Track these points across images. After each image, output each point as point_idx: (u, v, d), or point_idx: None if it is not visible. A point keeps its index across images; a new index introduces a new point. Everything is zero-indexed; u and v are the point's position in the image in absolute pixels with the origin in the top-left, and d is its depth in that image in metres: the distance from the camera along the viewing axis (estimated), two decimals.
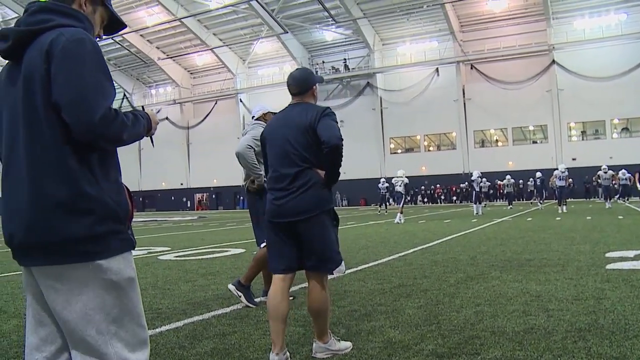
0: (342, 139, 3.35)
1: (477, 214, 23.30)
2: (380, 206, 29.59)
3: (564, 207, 22.48)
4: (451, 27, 45.31)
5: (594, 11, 42.79)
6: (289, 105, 3.64)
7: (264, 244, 5.22)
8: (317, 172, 3.42)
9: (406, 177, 21.15)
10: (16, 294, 6.07)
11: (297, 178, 3.39)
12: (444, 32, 46.81)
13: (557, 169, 24.21)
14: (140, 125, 1.95)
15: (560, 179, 22.62)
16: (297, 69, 3.78)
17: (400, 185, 20.69)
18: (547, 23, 43.33)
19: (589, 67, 41.79)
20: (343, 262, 3.51)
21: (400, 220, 19.26)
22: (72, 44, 1.76)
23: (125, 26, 2.31)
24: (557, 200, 22.71)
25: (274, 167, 3.53)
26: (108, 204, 1.82)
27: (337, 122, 3.50)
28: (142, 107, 2.38)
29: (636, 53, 40.80)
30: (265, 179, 4.32)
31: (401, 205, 20.28)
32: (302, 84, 3.61)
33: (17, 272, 7.80)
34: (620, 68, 40.98)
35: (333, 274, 3.51)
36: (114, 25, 2.21)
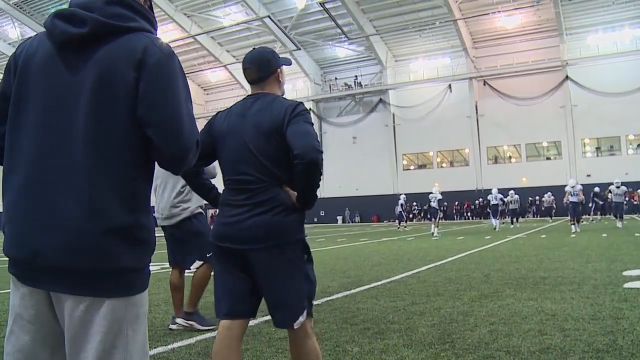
0: (321, 151, 2.52)
1: (495, 229, 24.53)
2: (400, 222, 29.72)
3: (577, 226, 20.53)
4: (464, 44, 45.34)
5: (608, 26, 42.63)
6: (248, 96, 2.78)
7: (195, 263, 5.18)
8: (287, 191, 2.59)
9: (439, 193, 22.81)
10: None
11: (257, 194, 2.55)
12: (456, 49, 46.84)
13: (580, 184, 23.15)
14: None
15: (572, 195, 20.75)
16: (255, 48, 2.88)
17: (434, 201, 22.16)
18: (561, 39, 43.24)
19: (604, 83, 41.56)
20: (306, 311, 2.58)
21: (437, 234, 20.81)
22: (168, 59, 1.62)
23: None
24: (569, 218, 21.00)
25: (228, 173, 2.69)
26: (154, 236, 1.69)
27: (312, 124, 2.64)
28: None
29: None
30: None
31: (437, 220, 21.75)
32: (262, 66, 2.72)
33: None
34: (636, 83, 40.74)
35: (293, 327, 2.56)
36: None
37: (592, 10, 41.68)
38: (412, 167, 51.33)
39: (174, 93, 1.61)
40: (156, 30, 1.76)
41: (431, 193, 22.78)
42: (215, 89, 60.78)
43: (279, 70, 2.78)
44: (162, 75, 1.59)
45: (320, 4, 43.11)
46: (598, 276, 7.52)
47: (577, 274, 7.81)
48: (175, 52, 1.66)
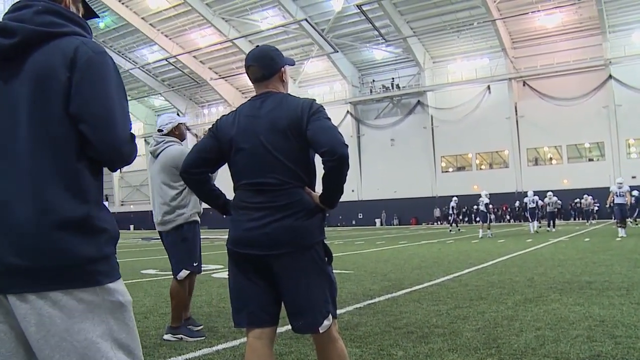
0: (347, 145, 2.48)
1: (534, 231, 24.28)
2: (451, 225, 29.54)
3: (623, 231, 18.54)
4: (502, 44, 44.72)
5: None
6: (254, 97, 2.71)
7: (182, 272, 4.84)
8: (309, 192, 2.54)
9: (487, 197, 23.44)
10: None
11: (280, 196, 2.48)
12: (495, 49, 46.25)
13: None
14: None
15: (618, 196, 18.85)
16: (258, 46, 2.80)
17: (482, 205, 23.06)
18: (603, 37, 42.25)
19: None
20: (331, 315, 2.52)
21: (490, 235, 22.31)
22: (98, 57, 1.66)
23: (97, 16, 2.09)
24: (615, 220, 19.39)
25: (245, 177, 2.57)
26: (113, 225, 1.70)
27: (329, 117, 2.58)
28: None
29: None
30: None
31: (487, 222, 22.92)
32: (267, 64, 2.66)
33: None
34: None
35: (318, 332, 2.48)
36: (86, 16, 1.96)
37: (637, 6, 40.60)
38: (450, 170, 50.83)
39: (105, 89, 1.64)
40: (90, 34, 1.77)
41: (480, 197, 23.57)
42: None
43: (282, 69, 2.71)
44: (93, 72, 1.63)
45: (357, 6, 43.10)
46: None
47: (625, 279, 7.62)
48: (106, 53, 1.72)
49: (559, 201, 27.87)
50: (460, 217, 47.84)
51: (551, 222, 26.34)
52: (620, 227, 18.88)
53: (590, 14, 41.61)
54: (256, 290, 2.51)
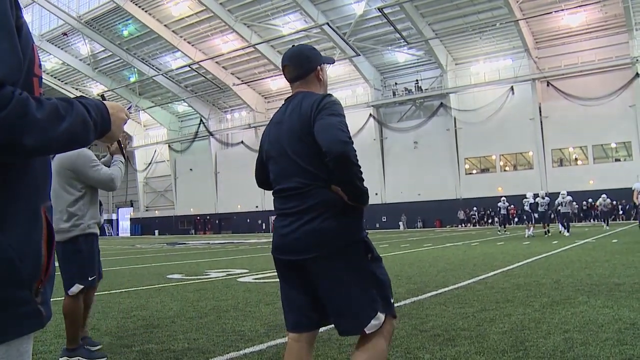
0: (351, 141, 2.34)
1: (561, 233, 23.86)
2: (501, 226, 29.47)
3: None
4: (526, 44, 44.34)
5: None
6: (286, 99, 2.66)
7: (75, 287, 4.26)
8: (333, 190, 2.41)
9: (532, 198, 24.31)
10: (107, 312, 6.31)
11: (303, 199, 2.43)
12: (518, 50, 45.90)
13: None
14: (76, 122, 1.21)
15: None
16: (294, 45, 2.75)
17: (527, 205, 24.13)
18: (630, 35, 41.66)
19: None
20: (381, 314, 2.39)
21: (531, 233, 23.05)
22: None
23: None
24: (638, 222, 17.05)
25: (276, 183, 2.61)
26: (5, 259, 1.15)
27: (340, 115, 2.42)
28: (102, 95, 1.52)
29: None
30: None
31: (532, 222, 23.96)
32: (301, 63, 2.61)
33: (108, 292, 8.13)
34: None
35: (365, 332, 2.37)
36: None
37: None
38: (474, 172, 50.48)
39: None
40: None
41: (525, 198, 24.37)
42: (276, 96, 61.53)
43: (319, 68, 2.63)
44: None
45: (378, 9, 43.09)
46: None
47: None
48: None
49: (574, 202, 26.06)
50: (476, 219, 47.67)
51: (564, 223, 24.03)
52: None
53: (615, 12, 41.07)
54: (296, 295, 2.52)
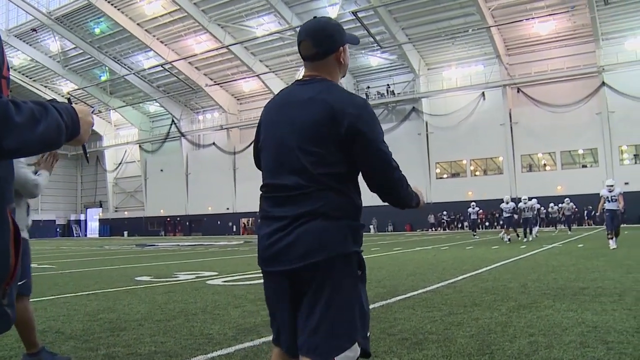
0: (398, 168, 2.23)
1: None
2: (471, 230, 29.74)
3: (614, 241, 15.80)
4: (497, 51, 45.00)
5: None
6: (296, 82, 2.32)
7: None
8: (341, 193, 2.13)
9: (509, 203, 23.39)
10: (72, 315, 6.21)
11: (301, 201, 2.10)
12: (489, 56, 46.53)
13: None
14: (51, 126, 1.24)
15: (610, 201, 16.02)
16: (316, 17, 2.34)
17: (507, 211, 22.96)
18: (597, 44, 42.60)
19: None
20: (356, 345, 2.10)
21: (507, 239, 22.14)
22: None
23: None
24: (607, 230, 16.28)
25: (266, 175, 2.26)
26: None
27: (383, 135, 2.20)
28: (69, 99, 1.52)
29: None
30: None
31: (508, 227, 23.04)
32: (322, 40, 2.23)
33: (74, 294, 8.01)
34: None
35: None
36: None
37: (630, 14, 41.04)
38: (445, 176, 50.97)
39: None
40: None
41: (502, 202, 23.41)
42: (248, 98, 61.35)
43: (341, 48, 2.27)
44: None
45: (352, 13, 43.29)
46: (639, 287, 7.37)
47: (618, 285, 7.66)
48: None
49: (537, 205, 25.28)
50: (447, 222, 48.20)
51: (527, 229, 23.44)
52: (610, 238, 15.91)
53: (583, 22, 41.95)
54: (282, 312, 2.20)
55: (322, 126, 2.10)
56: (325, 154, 2.10)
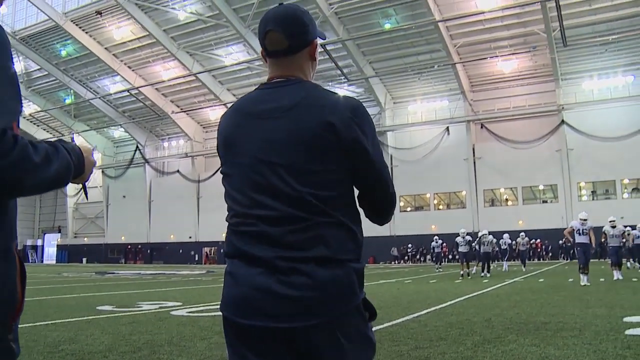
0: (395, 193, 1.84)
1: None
2: (436, 264, 29.82)
3: (586, 278, 15.00)
4: (462, 87, 46.05)
5: (602, 73, 43.57)
6: (262, 85, 1.86)
7: None
8: (343, 226, 1.67)
9: (465, 237, 22.85)
10: (31, 347, 6.05)
11: (298, 237, 1.62)
12: (454, 92, 47.54)
13: (566, 227, 17.65)
14: (62, 165, 1.28)
15: (581, 234, 15.24)
16: (282, 3, 1.89)
17: (462, 245, 22.46)
18: (556, 84, 44.03)
19: (599, 128, 42.18)
20: None
21: (474, 271, 22.05)
22: None
23: None
24: (579, 264, 15.40)
25: (239, 204, 1.71)
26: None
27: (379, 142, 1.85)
28: (72, 137, 1.54)
29: None
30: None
31: (467, 262, 22.37)
32: (296, 30, 1.79)
33: (32, 324, 7.80)
34: (629, 129, 41.34)
35: None
36: None
37: (586, 57, 42.62)
38: (409, 209, 51.39)
39: None
40: None
41: (458, 236, 22.90)
42: (214, 126, 61.10)
43: (315, 42, 1.87)
44: None
45: (321, 45, 43.67)
46: (599, 322, 7.54)
47: (578, 320, 7.83)
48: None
49: (494, 240, 24.49)
50: (409, 256, 48.53)
51: (486, 264, 22.93)
52: (583, 272, 15.09)
53: (544, 62, 43.34)
54: None
55: (316, 138, 1.65)
56: (322, 172, 1.66)
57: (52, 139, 1.37)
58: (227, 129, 1.81)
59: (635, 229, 22.54)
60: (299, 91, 1.75)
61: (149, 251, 64.74)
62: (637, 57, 42.13)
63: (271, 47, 1.82)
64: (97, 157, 68.63)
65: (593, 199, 44.85)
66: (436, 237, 28.86)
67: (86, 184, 1.53)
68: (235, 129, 1.78)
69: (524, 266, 27.65)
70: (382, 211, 1.83)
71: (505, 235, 26.48)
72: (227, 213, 1.78)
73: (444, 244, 29.33)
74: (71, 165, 1.33)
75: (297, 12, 1.81)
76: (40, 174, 1.21)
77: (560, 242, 41.83)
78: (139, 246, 65.78)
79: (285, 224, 1.63)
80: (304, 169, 1.65)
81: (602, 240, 16.27)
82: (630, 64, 42.56)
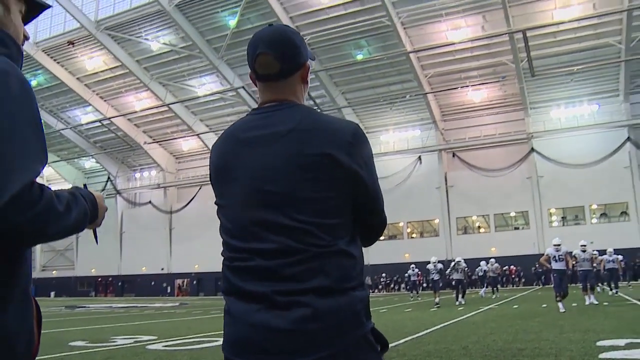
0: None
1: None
2: (412, 292, 29.63)
3: (563, 305, 14.84)
4: (433, 116, 46.73)
5: (569, 102, 44.72)
6: (255, 111, 1.77)
7: None
8: (345, 254, 1.59)
9: (437, 264, 22.73)
10: None
11: (299, 270, 1.53)
12: (426, 121, 48.17)
13: (543, 253, 17.03)
14: (80, 212, 1.34)
15: (556, 260, 15.17)
16: (271, 24, 1.78)
17: (434, 273, 22.20)
18: (525, 112, 45.02)
19: (567, 155, 43.09)
20: None
21: (437, 302, 20.60)
22: None
23: (48, 6, 1.59)
24: (555, 291, 15.27)
25: (234, 237, 1.63)
26: (3, 338, 1.23)
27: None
28: (85, 185, 1.60)
29: (609, 141, 42.32)
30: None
31: (436, 290, 21.73)
32: (289, 53, 1.71)
33: None
34: (596, 155, 42.28)
35: None
36: (34, 9, 1.53)
37: (554, 86, 43.76)
38: (382, 238, 51.10)
39: None
40: (11, 47, 1.41)
41: (429, 263, 22.71)
42: (187, 157, 61.00)
43: (307, 64, 1.79)
44: None
45: None
46: (574, 347, 7.62)
47: (553, 345, 7.91)
48: (11, 70, 1.29)
49: (466, 267, 24.24)
50: (386, 284, 48.51)
51: (458, 292, 22.74)
52: (559, 300, 14.95)
53: (513, 91, 44.33)
54: None
55: (314, 165, 1.58)
56: (321, 199, 1.58)
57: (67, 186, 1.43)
58: (220, 158, 1.72)
59: (605, 253, 22.81)
60: (294, 116, 1.67)
61: (120, 283, 63.62)
62: (600, 86, 43.51)
63: (262, 70, 1.72)
64: (67, 187, 67.74)
65: (563, 225, 45.52)
66: (413, 265, 28.97)
67: (97, 229, 1.61)
68: (228, 157, 1.69)
69: (494, 293, 27.36)
70: (374, 235, 1.82)
71: (483, 263, 26.73)
72: (222, 248, 1.69)
73: (419, 272, 29.40)
74: (88, 212, 1.39)
75: (288, 33, 1.73)
76: (62, 223, 1.27)
77: (533, 268, 42.34)
78: (110, 279, 64.62)
79: (282, 256, 1.54)
80: (302, 197, 1.57)
81: (573, 263, 16.27)
82: (594, 93, 43.86)
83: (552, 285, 15.89)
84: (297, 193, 1.57)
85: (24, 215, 1.17)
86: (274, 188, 1.58)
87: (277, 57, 1.69)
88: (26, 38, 1.52)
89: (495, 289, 27.79)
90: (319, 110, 1.71)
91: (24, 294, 1.32)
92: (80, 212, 1.34)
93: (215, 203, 1.73)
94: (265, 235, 1.57)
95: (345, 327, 1.52)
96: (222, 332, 1.64)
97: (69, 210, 1.29)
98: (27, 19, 1.53)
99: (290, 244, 1.54)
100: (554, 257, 15.24)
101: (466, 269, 24.01)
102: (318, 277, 1.53)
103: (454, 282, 23.04)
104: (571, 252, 15.56)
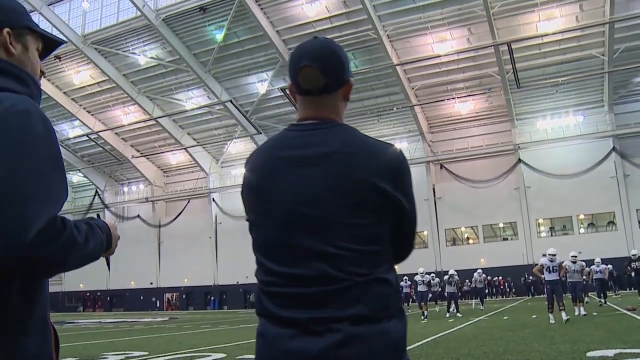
0: None
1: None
2: (407, 304, 29.63)
3: (552, 316, 14.74)
4: (420, 128, 46.94)
5: (555, 113, 45.12)
6: (294, 126, 1.73)
7: None
8: (385, 282, 1.57)
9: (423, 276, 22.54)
10: None
11: (338, 298, 1.49)
12: (413, 133, 48.36)
13: (536, 263, 17.05)
14: (97, 242, 1.41)
15: (550, 271, 14.99)
16: (316, 37, 1.71)
17: (422, 285, 22.08)
18: (512, 124, 45.37)
19: (554, 165, 43.40)
20: None
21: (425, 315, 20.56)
22: (13, 116, 1.29)
23: (63, 42, 1.67)
24: (547, 303, 15.07)
25: (269, 262, 1.58)
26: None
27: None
28: (98, 215, 1.75)
29: (595, 152, 42.69)
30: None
31: (422, 303, 21.62)
32: (334, 67, 1.65)
33: None
34: (582, 166, 42.62)
35: None
36: (50, 46, 1.61)
37: (539, 97, 44.17)
38: None
39: (15, 160, 1.25)
40: (31, 86, 1.47)
41: (417, 275, 22.41)
42: (175, 171, 60.80)
43: (350, 81, 1.72)
44: (2, 137, 1.27)
45: (281, 89, 44.32)
46: (563, 358, 7.69)
47: (544, 356, 7.97)
48: (33, 110, 1.34)
49: (459, 281, 24.25)
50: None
51: (450, 304, 22.65)
52: (550, 312, 14.83)
53: (499, 103, 44.67)
54: None
55: (357, 191, 1.52)
56: (364, 226, 1.54)
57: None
58: (254, 174, 1.66)
59: (593, 264, 22.93)
60: (337, 136, 1.60)
61: (108, 298, 63.09)
62: (585, 97, 44.00)
63: (305, 84, 1.65)
64: None
65: (552, 235, 45.77)
66: (405, 277, 28.99)
67: (109, 257, 1.68)
68: (264, 174, 1.63)
69: (482, 304, 27.21)
70: (405, 257, 1.77)
71: (476, 274, 26.84)
72: (256, 267, 1.64)
73: (411, 284, 29.52)
74: (103, 242, 1.47)
75: (334, 47, 1.66)
76: (81, 253, 1.34)
77: (522, 279, 42.52)
78: (98, 293, 64.06)
79: (320, 284, 1.49)
80: (342, 223, 1.51)
81: (564, 274, 16.21)
82: (579, 104, 44.32)
83: (545, 296, 15.78)
84: (337, 218, 1.51)
85: (48, 248, 1.24)
86: (313, 211, 1.52)
87: (322, 71, 1.62)
88: (42, 74, 1.59)
89: (481, 300, 27.63)
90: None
91: (43, 319, 1.39)
92: (97, 242, 1.42)
93: (248, 219, 1.68)
94: (302, 261, 1.51)
95: (378, 356, 1.47)
96: (254, 354, 1.63)
97: (87, 241, 1.36)
98: (43, 55, 1.60)
99: (330, 272, 1.49)
100: (548, 267, 15.05)
101: (459, 282, 24.13)
102: (357, 306, 1.48)
103: (446, 294, 23.14)
104: (562, 263, 15.63)
